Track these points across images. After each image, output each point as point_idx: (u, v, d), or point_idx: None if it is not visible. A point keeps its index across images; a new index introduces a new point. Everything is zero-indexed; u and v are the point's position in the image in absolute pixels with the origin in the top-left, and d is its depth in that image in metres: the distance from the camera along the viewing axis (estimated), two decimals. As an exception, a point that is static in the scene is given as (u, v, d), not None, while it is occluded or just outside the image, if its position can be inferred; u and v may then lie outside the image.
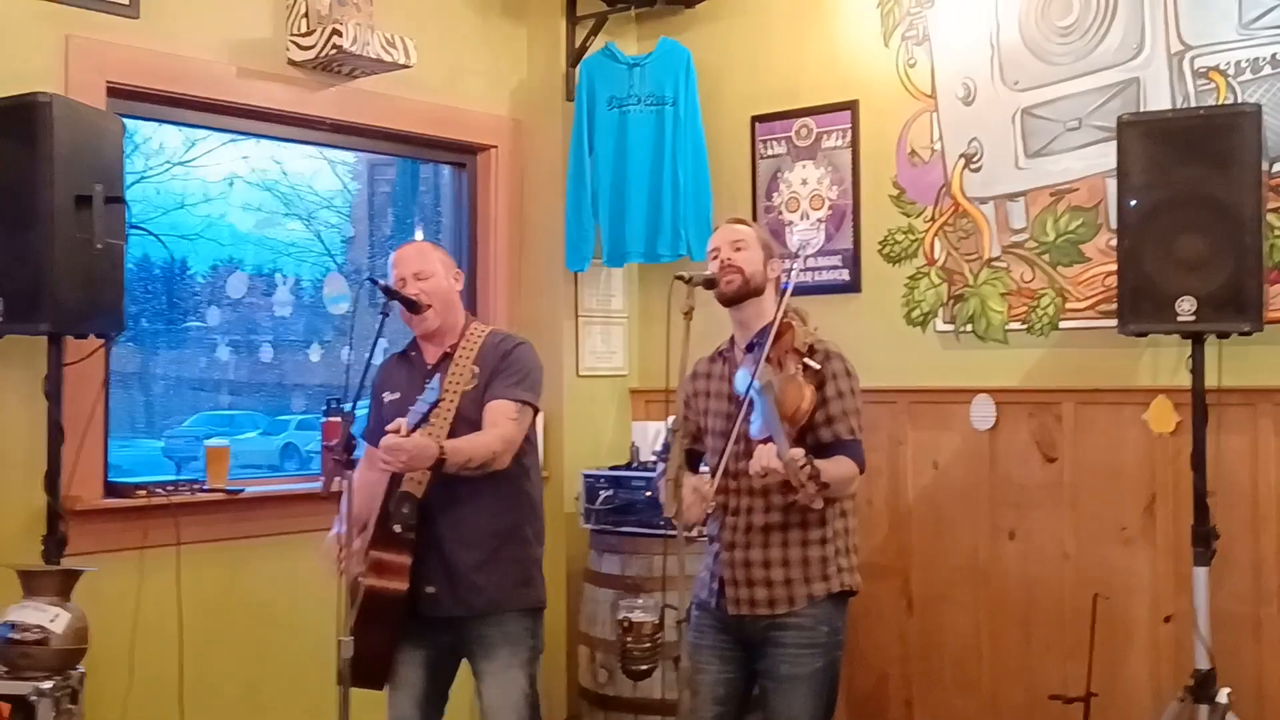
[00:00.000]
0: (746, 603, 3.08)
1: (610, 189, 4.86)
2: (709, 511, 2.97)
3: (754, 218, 4.77)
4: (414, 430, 3.05)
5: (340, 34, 4.13)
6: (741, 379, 3.01)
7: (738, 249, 3.16)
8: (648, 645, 3.02)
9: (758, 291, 3.15)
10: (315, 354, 4.87)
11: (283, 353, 4.96)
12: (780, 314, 3.03)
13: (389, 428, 3.01)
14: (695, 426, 3.29)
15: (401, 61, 4.33)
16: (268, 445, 5.28)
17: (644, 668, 3.03)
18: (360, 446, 3.25)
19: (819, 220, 4.67)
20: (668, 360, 2.98)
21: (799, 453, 2.69)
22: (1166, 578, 3.85)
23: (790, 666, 3.03)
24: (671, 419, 2.88)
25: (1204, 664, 3.45)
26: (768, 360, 2.98)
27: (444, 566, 3.26)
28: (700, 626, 3.18)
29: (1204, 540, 3.46)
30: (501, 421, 3.23)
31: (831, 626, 3.10)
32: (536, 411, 3.37)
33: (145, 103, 4.06)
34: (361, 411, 3.35)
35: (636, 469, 4.71)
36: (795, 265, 3.27)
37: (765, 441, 2.81)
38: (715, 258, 3.18)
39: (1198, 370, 3.47)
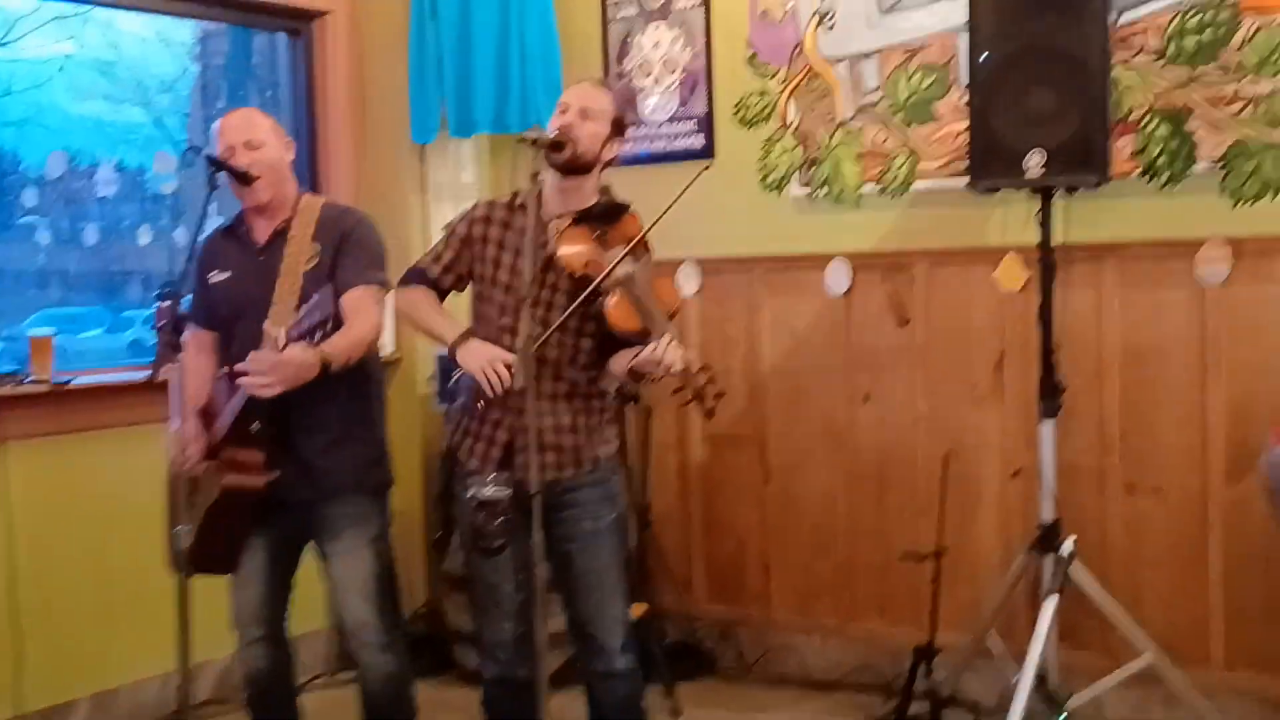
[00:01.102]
0: (542, 468, 3.00)
1: (455, 56, 4.64)
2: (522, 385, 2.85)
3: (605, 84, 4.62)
4: (296, 343, 2.84)
5: (152, -114, 3.83)
6: (571, 252, 2.93)
7: (585, 117, 3.01)
8: (500, 521, 2.96)
9: (585, 169, 3.02)
10: (146, 237, 4.61)
11: (117, 241, 4.70)
12: (648, 216, 2.96)
13: (265, 345, 2.81)
14: (467, 269, 3.12)
15: (222, -83, 4.04)
16: (114, 343, 5.03)
17: (496, 545, 2.96)
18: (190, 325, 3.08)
19: (673, 85, 4.54)
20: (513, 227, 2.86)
21: (695, 356, 2.71)
22: (1015, 434, 3.92)
23: (592, 521, 3.05)
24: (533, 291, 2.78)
25: (1049, 516, 3.52)
26: (608, 243, 2.94)
27: (291, 451, 3.14)
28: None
29: (1050, 394, 3.52)
30: (365, 308, 3.09)
31: (618, 476, 3.18)
32: (388, 290, 3.22)
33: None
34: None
35: (491, 346, 4.59)
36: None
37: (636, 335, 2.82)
38: (562, 113, 3.03)
39: (1046, 225, 3.49)
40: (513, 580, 3.08)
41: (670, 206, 2.84)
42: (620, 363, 2.98)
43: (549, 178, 3.04)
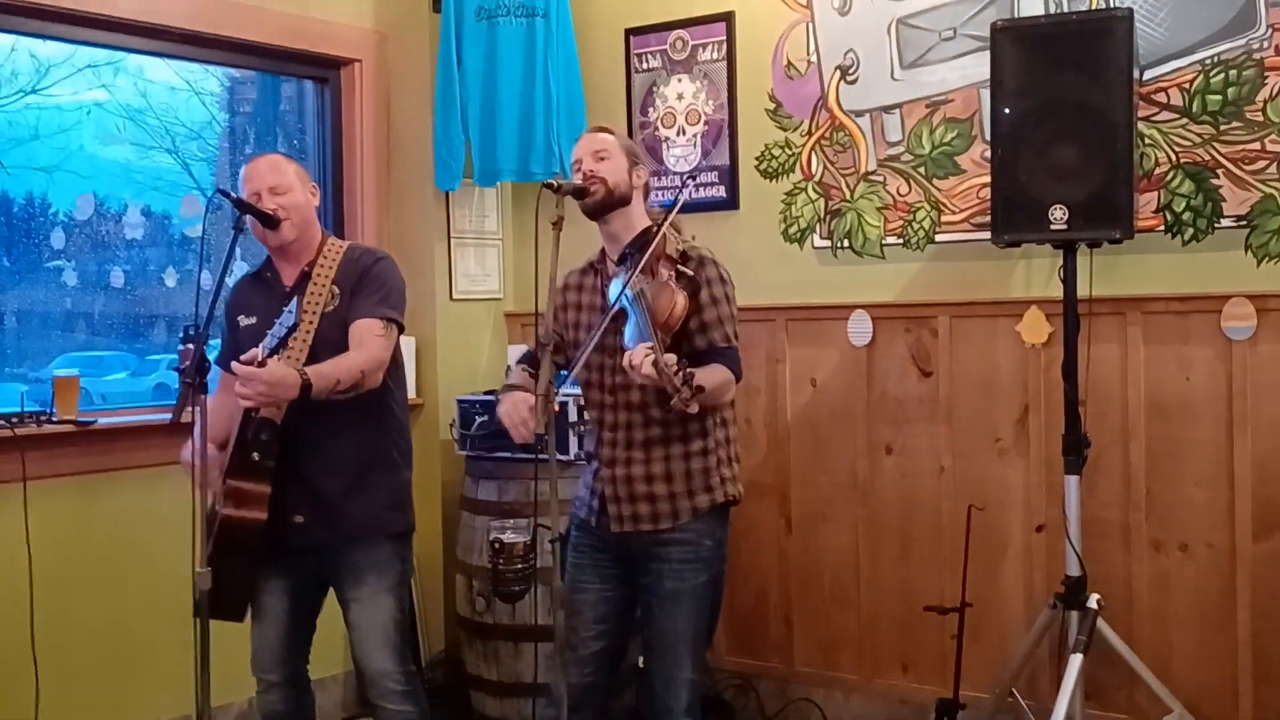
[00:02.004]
0: (629, 519, 3.00)
1: (480, 104, 4.70)
2: (541, 431, 2.82)
3: (630, 134, 4.66)
4: (270, 357, 2.87)
5: (187, -63, 3.89)
6: (615, 289, 2.92)
7: (600, 158, 3.05)
8: (519, 566, 2.95)
9: (623, 201, 3.04)
10: (172, 279, 4.63)
11: (144, 284, 4.72)
12: (665, 224, 2.93)
13: (243, 357, 2.84)
14: (559, 339, 3.18)
15: (255, -33, 4.10)
16: (138, 386, 5.04)
17: (516, 589, 2.96)
18: (215, 370, 3.09)
19: (696, 136, 4.57)
20: (536, 271, 2.87)
21: (672, 358, 2.61)
22: (1039, 487, 3.89)
23: (675, 582, 2.97)
24: (550, 336, 2.78)
25: (1075, 571, 3.49)
26: (641, 270, 2.88)
27: (311, 494, 3.14)
28: (580, 546, 3.11)
29: (1075, 449, 3.49)
30: (368, 340, 3.10)
31: (715, 539, 3.05)
32: (401, 329, 3.23)
33: (-23, 10, 3.79)
34: (216, 339, 3.18)
35: (512, 393, 4.60)
36: (687, 190, 3.15)
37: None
38: (578, 169, 3.06)
39: (1069, 279, 3.48)
40: (592, 629, 3.05)
41: (672, 213, 2.87)
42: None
43: (600, 229, 3.07)
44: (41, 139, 4.45)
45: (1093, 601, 3.46)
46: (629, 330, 2.80)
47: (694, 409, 2.64)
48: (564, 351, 3.17)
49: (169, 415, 4.07)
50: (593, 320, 3.10)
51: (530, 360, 3.17)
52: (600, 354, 3.00)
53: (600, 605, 3.06)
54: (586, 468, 3.16)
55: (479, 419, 4.44)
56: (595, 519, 3.07)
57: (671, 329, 2.82)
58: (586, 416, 2.94)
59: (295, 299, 3.03)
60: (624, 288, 2.82)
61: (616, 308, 2.84)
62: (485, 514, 4.33)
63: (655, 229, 2.97)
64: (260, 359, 2.81)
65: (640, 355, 2.65)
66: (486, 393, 4.66)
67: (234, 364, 2.81)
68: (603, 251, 3.15)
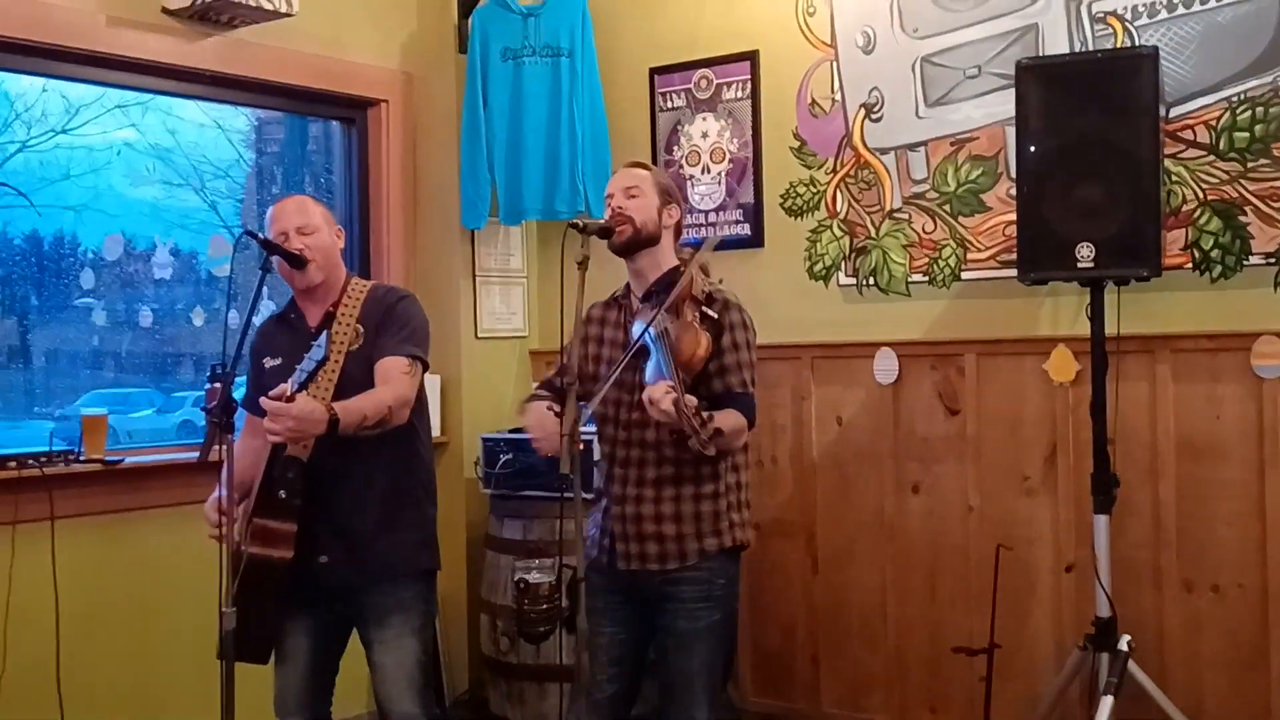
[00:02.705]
0: (637, 557, 2.98)
1: (506, 144, 4.72)
2: (566, 471, 2.81)
3: (654, 172, 4.67)
4: (299, 392, 2.88)
5: (216, -21, 3.94)
6: (639, 327, 2.91)
7: (631, 195, 3.04)
8: (544, 607, 2.94)
9: (651, 241, 3.04)
10: (199, 319, 4.66)
11: (172, 323, 4.76)
12: (692, 266, 2.94)
13: (272, 393, 2.84)
14: (583, 372, 3.15)
15: (283, 9, 4.14)
16: (163, 423, 5.06)
17: (541, 629, 2.94)
18: (241, 411, 3.10)
19: (720, 174, 4.58)
20: (561, 309, 2.87)
21: (692, 399, 2.60)
22: (1068, 527, 3.85)
23: (689, 621, 2.95)
24: (574, 376, 2.77)
25: (1105, 612, 3.45)
26: (666, 309, 2.88)
27: (337, 533, 3.13)
28: (592, 588, 3.08)
29: (1104, 488, 3.46)
30: (394, 377, 3.10)
31: (728, 578, 3.02)
32: (426, 366, 3.24)
33: (8, 53, 3.83)
34: (242, 376, 3.19)
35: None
36: (715, 235, 3.15)
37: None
38: (609, 204, 3.07)
39: (1097, 317, 3.46)
40: (606, 671, 3.02)
41: (698, 254, 2.87)
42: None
43: (626, 265, 3.07)
44: (72, 178, 4.50)
45: (1124, 643, 3.42)
46: (649, 368, 2.80)
47: (711, 451, 2.64)
48: (584, 383, 3.16)
49: (195, 454, 4.12)
50: (614, 355, 3.09)
51: (548, 386, 3.18)
52: (618, 389, 2.99)
53: (614, 648, 3.04)
54: (595, 506, 3.15)
55: (504, 457, 4.44)
56: (606, 557, 3.05)
57: (693, 370, 2.81)
58: (597, 451, 2.92)
59: (325, 335, 3.02)
60: (648, 326, 2.81)
61: (638, 345, 2.84)
62: (510, 553, 4.32)
63: (680, 268, 2.97)
64: (289, 394, 2.82)
65: (660, 391, 2.64)
66: (511, 431, 4.66)
67: (263, 400, 2.81)
68: (628, 286, 3.15)
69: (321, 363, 2.85)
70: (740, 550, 3.06)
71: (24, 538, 3.64)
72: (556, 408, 2.84)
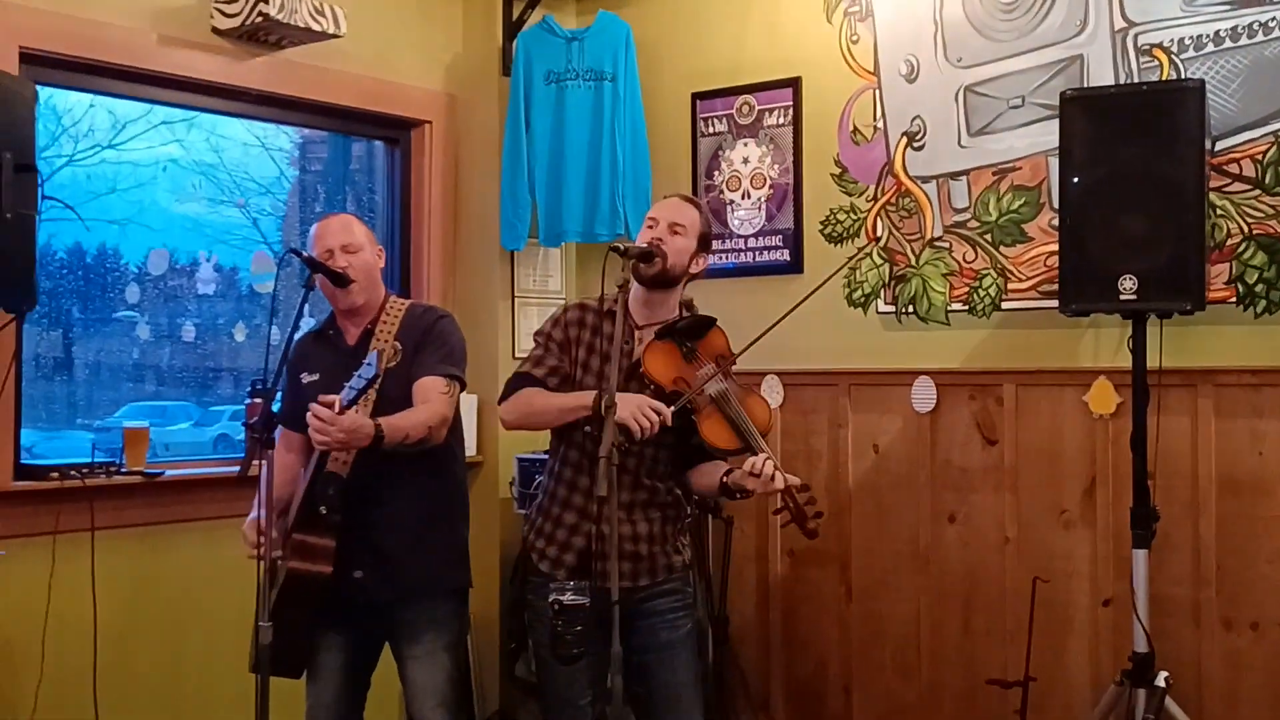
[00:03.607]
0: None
1: (547, 166, 4.75)
2: (603, 494, 2.84)
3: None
4: (349, 408, 2.91)
5: (266, 1, 3.98)
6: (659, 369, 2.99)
7: (675, 233, 3.07)
8: (579, 629, 2.93)
9: (673, 283, 3.10)
10: (241, 334, 4.71)
11: (212, 337, 4.81)
12: (709, 316, 3.10)
13: (322, 399, 2.87)
14: (567, 371, 3.15)
15: (331, 31, 4.19)
16: (201, 436, 5.12)
17: (575, 652, 2.93)
18: (279, 426, 3.13)
19: (760, 200, 4.59)
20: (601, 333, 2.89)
21: (795, 479, 2.80)
22: (1106, 561, 3.82)
23: (669, 631, 3.07)
24: (613, 399, 2.79)
25: (1142, 647, 3.42)
26: (696, 357, 3.03)
27: (372, 550, 3.16)
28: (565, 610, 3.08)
29: (1144, 522, 3.43)
30: (433, 397, 3.13)
31: (693, 588, 3.19)
32: (464, 386, 3.26)
33: (61, 70, 3.90)
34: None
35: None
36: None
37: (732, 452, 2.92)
38: (651, 226, 3.08)
39: (1139, 350, 3.44)
40: (588, 694, 3.04)
41: (769, 330, 2.91)
42: (711, 478, 2.99)
43: (635, 289, 3.09)
44: (118, 192, 4.56)
45: (1161, 679, 3.38)
46: (709, 426, 2.96)
47: (815, 534, 2.86)
48: (566, 386, 3.15)
49: (233, 468, 4.15)
50: (603, 369, 3.06)
51: (528, 384, 3.19)
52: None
53: (591, 668, 3.01)
54: (541, 523, 3.20)
55: (539, 477, 4.43)
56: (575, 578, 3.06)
57: (768, 434, 2.98)
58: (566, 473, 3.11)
59: (375, 354, 3.01)
60: (701, 386, 2.96)
61: (682, 402, 2.94)
62: (543, 574, 4.31)
63: (715, 324, 3.11)
64: (340, 407, 2.85)
65: (771, 467, 2.82)
66: (546, 451, 4.65)
67: (313, 405, 2.85)
68: (626, 306, 3.11)
69: (373, 380, 2.86)
70: (690, 569, 3.20)
71: (64, 548, 3.68)
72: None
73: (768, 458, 2.83)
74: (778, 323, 3.10)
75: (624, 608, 2.95)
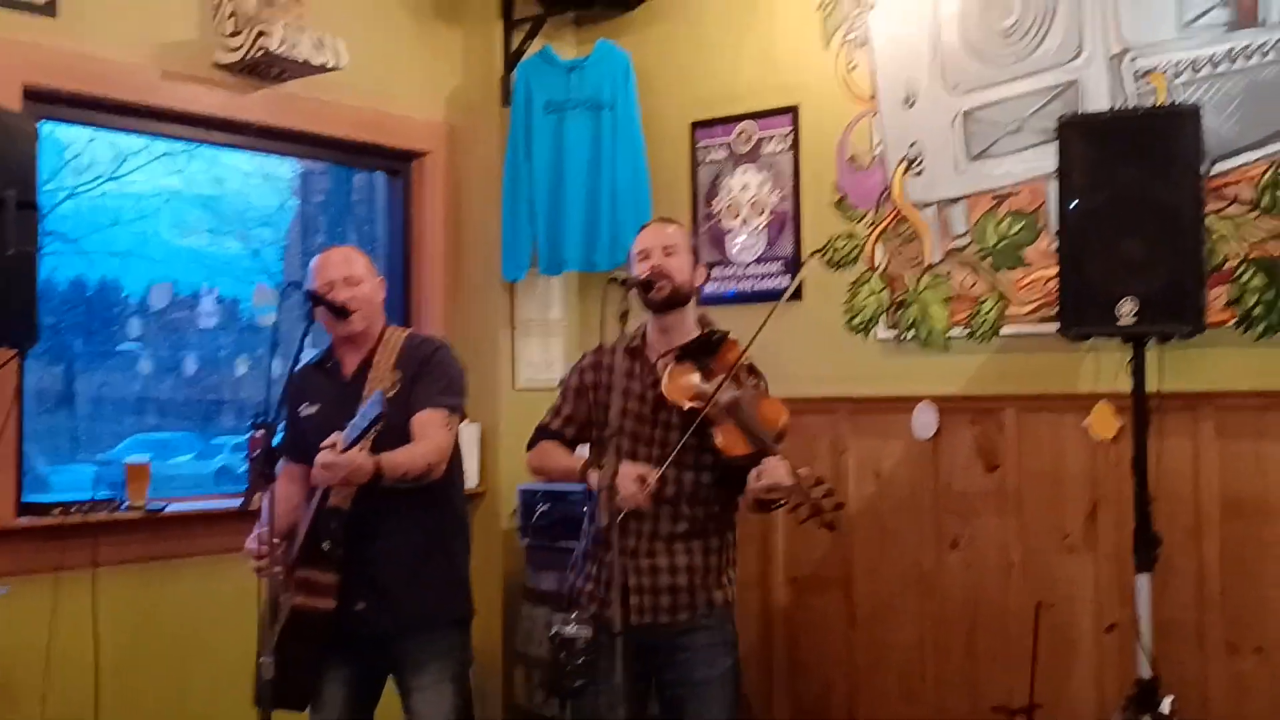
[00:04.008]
0: (650, 610, 3.02)
1: (547, 196, 4.77)
2: (605, 523, 2.85)
3: (694, 225, 4.70)
4: (351, 446, 2.91)
5: (267, 35, 4.01)
6: (676, 390, 2.95)
7: (668, 254, 3.10)
8: (580, 661, 2.92)
9: (685, 300, 3.10)
10: (243, 366, 4.73)
11: (214, 370, 4.82)
12: (745, 343, 3.04)
13: (325, 443, 2.89)
14: (586, 418, 3.21)
15: (331, 64, 4.21)
16: (202, 469, 5.13)
17: (576, 685, 2.92)
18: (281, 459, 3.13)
19: (760, 227, 4.60)
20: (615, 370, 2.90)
21: (806, 470, 2.71)
22: (1110, 586, 3.80)
23: (706, 669, 3.01)
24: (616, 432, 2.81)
25: (1146, 673, 3.40)
26: (710, 371, 2.98)
27: (372, 582, 3.16)
28: (597, 644, 3.07)
29: (1146, 547, 3.42)
30: (433, 431, 3.14)
31: (733, 626, 3.12)
32: (463, 416, 3.27)
33: (64, 106, 3.93)
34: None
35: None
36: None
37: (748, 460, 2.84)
38: (645, 259, 3.10)
39: (1139, 374, 3.43)
40: None
41: (763, 324, 2.89)
42: (747, 498, 2.96)
43: (650, 321, 3.11)
44: (120, 224, 4.58)
45: (1166, 705, 3.36)
46: (721, 435, 2.91)
47: (835, 525, 2.78)
48: (584, 430, 3.21)
49: (235, 502, 4.16)
50: (639, 408, 3.10)
51: (546, 436, 3.26)
52: (634, 443, 3.03)
53: (608, 702, 3.01)
54: (580, 562, 3.19)
55: (540, 508, 4.44)
56: (609, 612, 3.03)
57: (783, 437, 2.90)
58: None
59: (379, 392, 3.00)
60: (713, 396, 2.90)
61: (700, 419, 2.91)
62: (545, 604, 4.31)
63: (727, 338, 3.07)
64: (342, 446, 2.86)
65: (783, 472, 2.76)
66: (550, 482, 4.66)
67: (321, 453, 2.85)
68: (643, 338, 3.16)
69: (376, 420, 2.86)
70: (731, 607, 3.14)
71: (66, 584, 3.69)
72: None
73: (775, 460, 2.79)
74: (761, 328, 3.05)
75: (661, 642, 2.98)
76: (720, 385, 2.93)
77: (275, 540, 2.97)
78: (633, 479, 2.89)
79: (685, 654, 3.01)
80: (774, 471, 2.77)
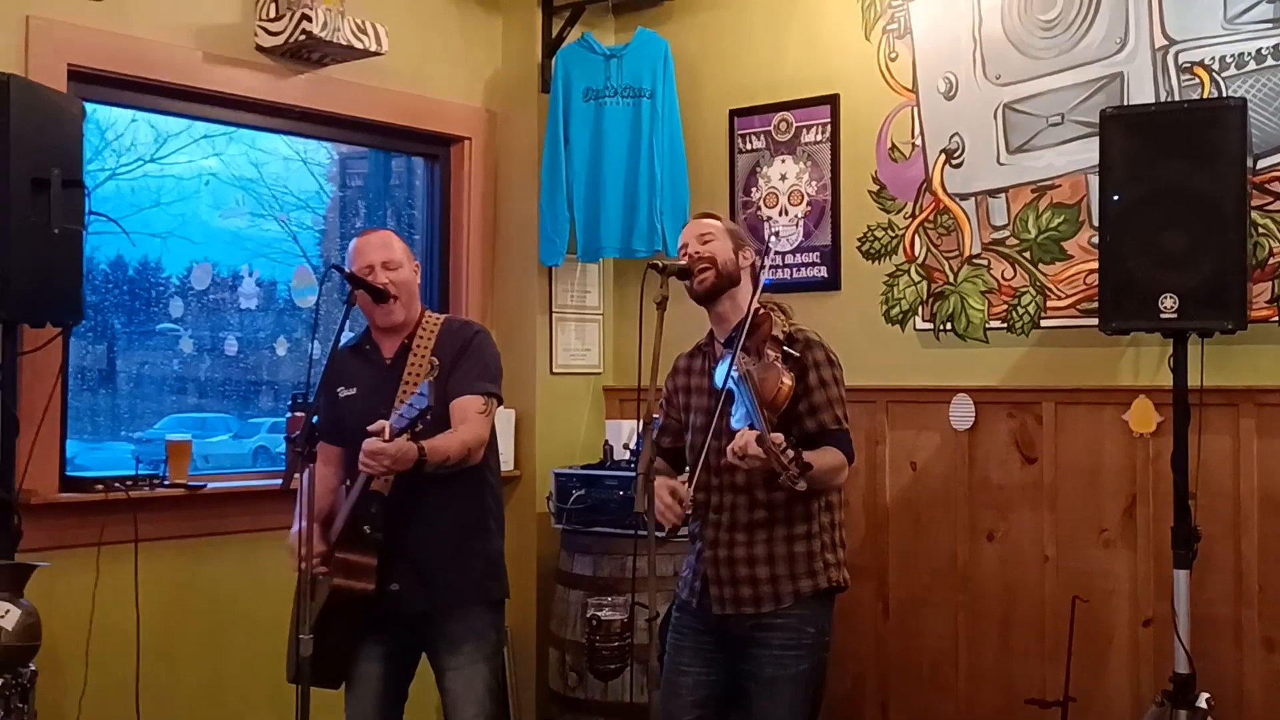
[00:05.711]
0: (731, 601, 2.98)
1: (585, 182, 4.78)
2: (687, 513, 2.86)
3: (731, 213, 4.70)
4: (398, 436, 2.93)
5: (310, 19, 4.04)
6: (720, 372, 2.93)
7: (705, 241, 3.09)
8: (616, 644, 2.95)
9: (732, 282, 3.07)
10: (282, 348, 4.76)
11: (253, 350, 4.86)
12: (754, 304, 2.95)
13: (373, 427, 2.91)
14: (676, 424, 3.21)
15: (373, 49, 4.24)
16: (239, 448, 5.17)
17: (612, 667, 2.95)
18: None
19: (798, 216, 4.59)
20: (640, 350, 2.90)
21: (779, 436, 2.62)
22: (1147, 580, 3.79)
23: (775, 668, 2.94)
24: (651, 415, 2.80)
25: (1183, 668, 3.39)
26: (745, 350, 2.90)
27: (409, 563, 3.19)
28: (681, 627, 3.10)
29: (1184, 542, 3.40)
30: (471, 417, 3.16)
31: (818, 627, 3.01)
32: (500, 401, 3.29)
33: (108, 87, 3.96)
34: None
35: (609, 468, 4.63)
36: (767, 261, 3.16)
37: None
38: (684, 253, 3.10)
39: (1179, 369, 3.42)
40: (690, 712, 3.01)
41: (755, 297, 2.92)
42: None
43: (709, 316, 3.09)
44: (161, 206, 4.62)
45: (1202, 701, 3.35)
46: (737, 412, 2.81)
47: (801, 487, 2.64)
48: (680, 438, 3.19)
49: (274, 481, 4.20)
50: (699, 403, 3.11)
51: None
52: (704, 435, 3.00)
53: (700, 689, 3.03)
54: (691, 548, 3.15)
55: (576, 492, 4.46)
56: (697, 600, 3.05)
57: (779, 409, 2.82)
58: (690, 497, 2.93)
59: (427, 382, 2.99)
60: (730, 369, 2.83)
61: (725, 390, 2.86)
62: (579, 588, 4.33)
63: (760, 310, 2.98)
64: (390, 434, 2.88)
65: (743, 440, 2.67)
66: (584, 466, 4.69)
67: (367, 441, 2.89)
68: (710, 334, 3.18)
69: (425, 411, 2.88)
70: (835, 592, 3.05)
71: (108, 559, 3.73)
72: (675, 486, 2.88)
73: (749, 432, 2.69)
74: (752, 302, 3.00)
75: (737, 634, 2.96)
76: (730, 362, 2.86)
77: (313, 529, 2.99)
78: (663, 498, 2.85)
79: (759, 650, 2.95)
80: (738, 439, 2.69)
